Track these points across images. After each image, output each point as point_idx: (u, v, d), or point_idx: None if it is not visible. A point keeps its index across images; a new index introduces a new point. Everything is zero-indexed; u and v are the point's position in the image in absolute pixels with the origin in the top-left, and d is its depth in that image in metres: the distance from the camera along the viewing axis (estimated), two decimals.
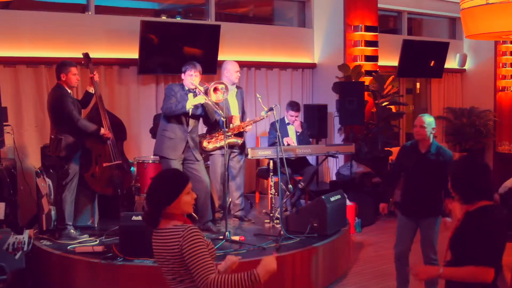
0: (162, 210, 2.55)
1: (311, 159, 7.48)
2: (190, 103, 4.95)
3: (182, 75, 5.11)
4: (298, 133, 6.32)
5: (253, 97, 7.60)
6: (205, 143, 5.44)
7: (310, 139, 7.26)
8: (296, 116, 6.27)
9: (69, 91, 5.03)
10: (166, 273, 2.58)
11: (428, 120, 4.26)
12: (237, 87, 5.74)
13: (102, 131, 5.15)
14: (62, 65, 5.03)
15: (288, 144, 6.04)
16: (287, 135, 6.34)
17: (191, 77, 5.03)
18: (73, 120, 4.92)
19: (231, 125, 5.45)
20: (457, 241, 2.64)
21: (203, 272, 2.38)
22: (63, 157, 4.97)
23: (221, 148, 5.44)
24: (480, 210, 2.58)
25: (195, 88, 5.05)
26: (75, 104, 5.03)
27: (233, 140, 5.47)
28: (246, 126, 5.55)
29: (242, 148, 5.66)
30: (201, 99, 4.96)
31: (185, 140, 5.10)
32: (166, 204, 2.54)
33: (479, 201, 2.60)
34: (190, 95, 5.07)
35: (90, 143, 5.19)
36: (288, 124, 6.39)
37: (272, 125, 6.34)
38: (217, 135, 5.48)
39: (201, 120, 5.40)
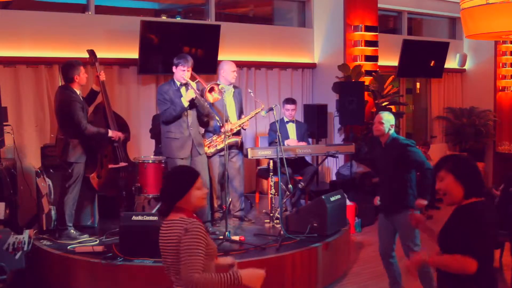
0: (174, 205, 2.63)
1: (309, 159, 7.48)
2: (185, 100, 5.01)
3: (174, 68, 5.12)
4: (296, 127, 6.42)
5: (253, 98, 7.59)
6: (205, 148, 5.44)
7: (310, 139, 7.28)
8: (293, 109, 6.41)
9: (78, 92, 4.99)
10: (164, 263, 2.65)
11: (387, 117, 4.33)
12: (234, 86, 5.75)
13: (110, 133, 5.14)
14: (71, 66, 4.95)
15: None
16: (287, 134, 6.36)
17: (183, 72, 5.06)
18: (81, 127, 4.88)
19: (226, 126, 5.43)
20: (446, 235, 2.66)
21: (190, 269, 2.39)
22: (70, 161, 4.96)
23: (221, 150, 5.44)
24: (472, 205, 2.59)
25: (186, 83, 5.09)
26: (84, 109, 4.99)
27: (232, 140, 5.48)
28: (242, 123, 5.55)
29: (240, 147, 5.67)
30: (192, 93, 5.00)
31: (190, 136, 5.11)
32: (176, 199, 2.62)
33: (472, 197, 2.62)
34: (183, 89, 5.12)
35: (96, 144, 5.18)
36: (288, 122, 6.42)
37: (272, 125, 6.37)
38: (215, 138, 5.49)
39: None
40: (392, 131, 4.34)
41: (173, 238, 2.53)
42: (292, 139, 6.35)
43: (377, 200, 4.51)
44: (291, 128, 6.46)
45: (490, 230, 2.55)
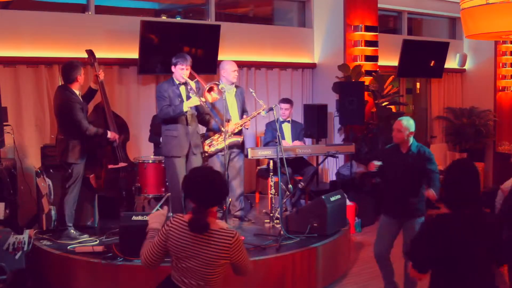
0: (210, 209, 2.74)
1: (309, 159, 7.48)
2: (187, 106, 5.01)
3: (173, 67, 5.12)
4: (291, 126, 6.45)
5: (253, 97, 7.59)
6: (206, 147, 5.44)
7: (310, 139, 7.28)
8: (286, 109, 6.44)
9: (77, 92, 4.99)
10: (188, 270, 2.72)
11: (406, 124, 4.30)
12: (236, 86, 5.75)
13: (109, 134, 5.14)
14: (75, 66, 4.94)
15: None
16: (282, 133, 6.35)
17: (182, 71, 5.07)
18: (82, 129, 4.88)
19: (227, 126, 5.42)
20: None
21: (250, 266, 2.88)
22: (70, 161, 4.96)
23: (222, 149, 5.44)
24: (438, 217, 2.67)
25: (185, 82, 5.09)
26: (84, 109, 4.99)
27: (233, 139, 5.47)
28: (244, 123, 5.55)
29: (241, 147, 5.67)
30: (196, 101, 5.00)
31: (188, 135, 5.12)
32: (218, 204, 2.81)
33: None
34: (182, 88, 5.11)
35: (96, 145, 5.18)
36: (283, 122, 6.44)
37: (269, 125, 6.37)
38: (216, 137, 5.48)
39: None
40: (411, 137, 4.33)
41: (222, 251, 2.68)
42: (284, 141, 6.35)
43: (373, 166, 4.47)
44: (286, 128, 6.47)
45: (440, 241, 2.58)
